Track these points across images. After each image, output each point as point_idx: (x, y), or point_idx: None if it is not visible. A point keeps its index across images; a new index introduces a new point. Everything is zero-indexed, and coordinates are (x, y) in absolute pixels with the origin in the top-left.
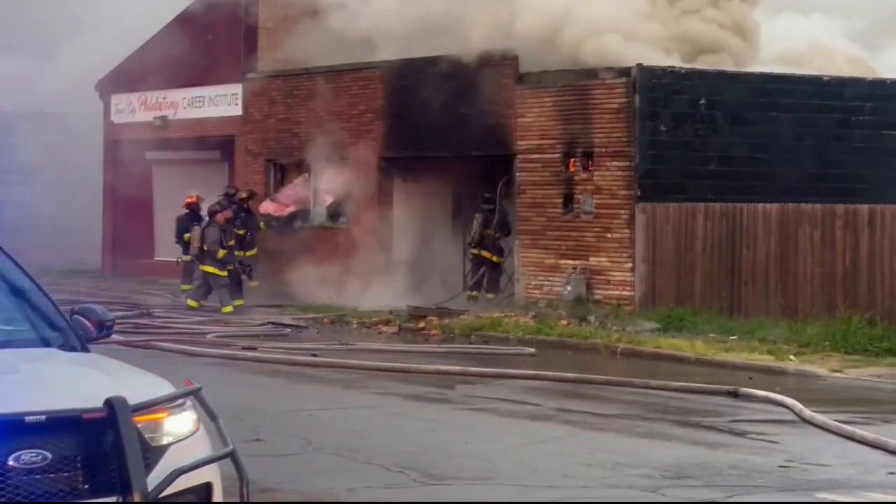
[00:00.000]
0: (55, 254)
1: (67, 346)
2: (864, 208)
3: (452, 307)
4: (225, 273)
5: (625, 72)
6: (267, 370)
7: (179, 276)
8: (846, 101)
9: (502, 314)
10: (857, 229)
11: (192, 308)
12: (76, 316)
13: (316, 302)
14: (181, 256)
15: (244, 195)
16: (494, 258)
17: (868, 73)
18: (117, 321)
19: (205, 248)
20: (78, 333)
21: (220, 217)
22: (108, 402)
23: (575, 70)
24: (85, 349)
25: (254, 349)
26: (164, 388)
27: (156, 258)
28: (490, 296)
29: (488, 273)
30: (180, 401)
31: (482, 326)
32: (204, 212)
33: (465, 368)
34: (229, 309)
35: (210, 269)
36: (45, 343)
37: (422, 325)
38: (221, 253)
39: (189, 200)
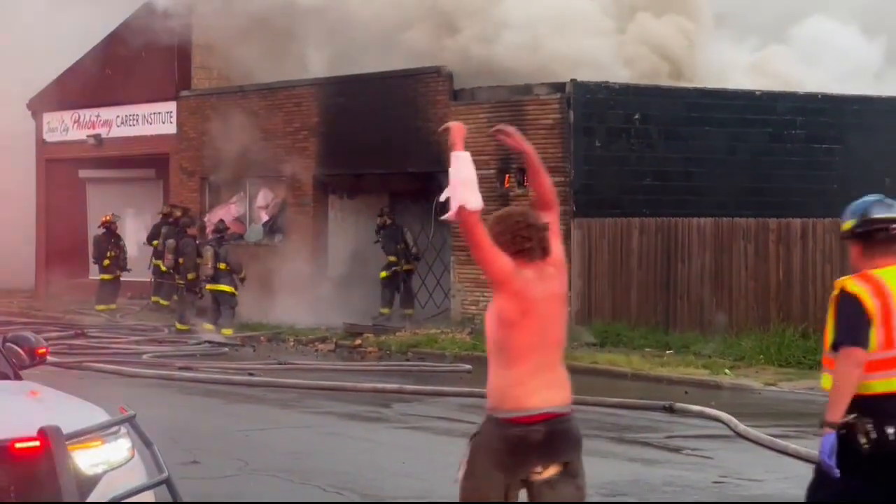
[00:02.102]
0: None
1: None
2: (796, 222)
3: (386, 324)
4: (237, 293)
5: (559, 87)
6: (203, 390)
7: (95, 295)
8: (778, 116)
9: (438, 331)
10: (790, 243)
11: (227, 336)
12: (9, 344)
13: (252, 320)
14: (101, 275)
15: (178, 213)
16: (382, 273)
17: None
18: (51, 341)
19: (220, 266)
20: (10, 361)
21: (228, 234)
22: (42, 432)
23: (509, 86)
24: (18, 377)
25: (190, 369)
26: (98, 415)
27: (90, 277)
28: (384, 310)
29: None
30: (114, 428)
31: (418, 343)
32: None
33: (402, 386)
34: (229, 331)
35: (225, 287)
36: None
37: (358, 342)
38: (243, 274)
39: (104, 220)
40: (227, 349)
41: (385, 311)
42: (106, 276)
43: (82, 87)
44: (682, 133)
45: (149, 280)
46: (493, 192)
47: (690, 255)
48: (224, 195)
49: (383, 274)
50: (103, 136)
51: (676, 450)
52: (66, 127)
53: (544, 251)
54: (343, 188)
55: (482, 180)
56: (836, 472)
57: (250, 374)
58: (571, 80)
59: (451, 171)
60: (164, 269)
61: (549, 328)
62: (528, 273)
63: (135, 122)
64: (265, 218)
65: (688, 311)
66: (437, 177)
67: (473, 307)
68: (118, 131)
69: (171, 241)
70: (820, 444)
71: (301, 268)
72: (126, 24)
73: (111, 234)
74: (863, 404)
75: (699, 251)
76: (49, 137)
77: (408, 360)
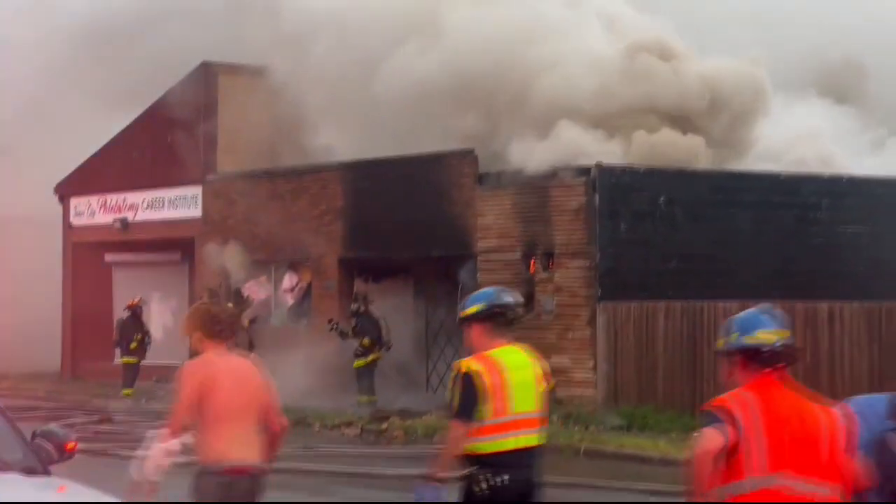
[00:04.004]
0: (14, 357)
1: (28, 470)
2: (823, 306)
3: (414, 408)
4: None
5: (584, 171)
6: None
7: (121, 379)
8: (803, 198)
9: None
10: (817, 326)
11: None
12: (38, 440)
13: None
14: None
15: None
16: (358, 362)
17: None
18: (77, 427)
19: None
20: (40, 456)
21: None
22: None
23: (534, 171)
24: (46, 472)
25: None
26: None
27: (115, 361)
28: (362, 399)
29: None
30: None
31: (445, 427)
32: (145, 316)
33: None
34: None
35: None
36: (6, 467)
37: (384, 426)
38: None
39: (131, 303)
40: None
41: (367, 399)
42: (131, 360)
43: (109, 172)
44: (707, 215)
45: (177, 363)
46: (519, 276)
47: (716, 338)
48: (249, 279)
49: (359, 363)
50: (129, 219)
51: None
52: (93, 211)
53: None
54: (368, 271)
55: (508, 264)
56: None
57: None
58: (596, 163)
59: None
60: None
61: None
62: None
63: (161, 205)
64: (290, 301)
65: (715, 395)
66: (462, 260)
67: None
68: (144, 215)
69: None
70: (417, 494)
71: (326, 350)
72: (152, 109)
73: (137, 319)
74: (480, 460)
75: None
76: (76, 221)
77: (434, 444)
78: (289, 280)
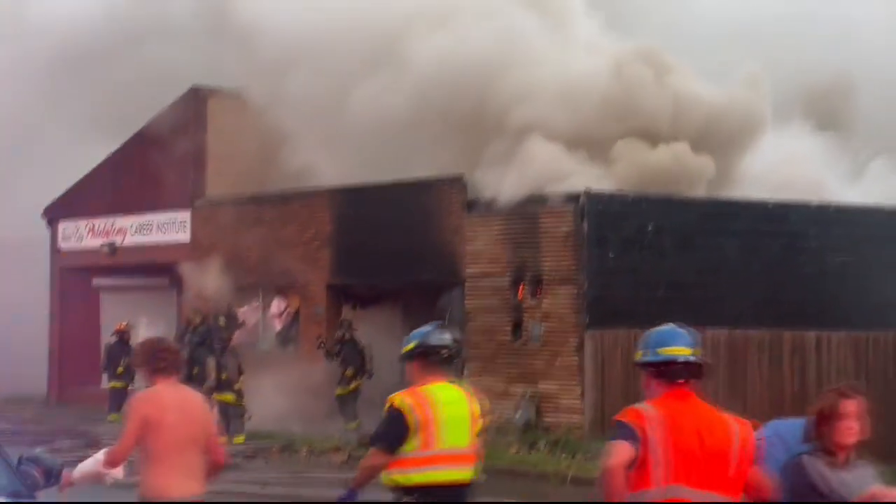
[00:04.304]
0: (0, 380)
1: (14, 495)
2: (811, 335)
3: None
4: (242, 403)
5: (573, 198)
6: None
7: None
8: (792, 226)
9: None
10: (805, 355)
11: (239, 444)
12: (24, 466)
13: (263, 429)
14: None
15: (197, 321)
16: (339, 390)
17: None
18: (63, 453)
19: (223, 376)
20: (25, 482)
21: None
22: None
23: (523, 196)
24: (32, 497)
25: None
26: None
27: (102, 386)
28: (349, 425)
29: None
30: None
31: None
32: (133, 341)
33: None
34: (241, 439)
35: (228, 397)
36: None
37: None
38: (240, 383)
39: (118, 328)
40: (237, 460)
41: (352, 425)
42: (118, 385)
43: (97, 196)
44: (695, 243)
45: None
46: (507, 302)
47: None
48: (238, 304)
49: (340, 391)
50: (117, 244)
51: None
52: (81, 235)
53: (178, 370)
54: (356, 297)
55: (496, 290)
56: None
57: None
58: (585, 190)
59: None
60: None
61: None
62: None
63: (149, 230)
64: (278, 326)
65: None
66: (451, 287)
67: (486, 417)
68: (132, 239)
69: (183, 351)
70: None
71: (313, 376)
72: (141, 133)
73: (124, 343)
74: (411, 491)
75: (713, 363)
76: (64, 245)
77: None
78: (277, 305)
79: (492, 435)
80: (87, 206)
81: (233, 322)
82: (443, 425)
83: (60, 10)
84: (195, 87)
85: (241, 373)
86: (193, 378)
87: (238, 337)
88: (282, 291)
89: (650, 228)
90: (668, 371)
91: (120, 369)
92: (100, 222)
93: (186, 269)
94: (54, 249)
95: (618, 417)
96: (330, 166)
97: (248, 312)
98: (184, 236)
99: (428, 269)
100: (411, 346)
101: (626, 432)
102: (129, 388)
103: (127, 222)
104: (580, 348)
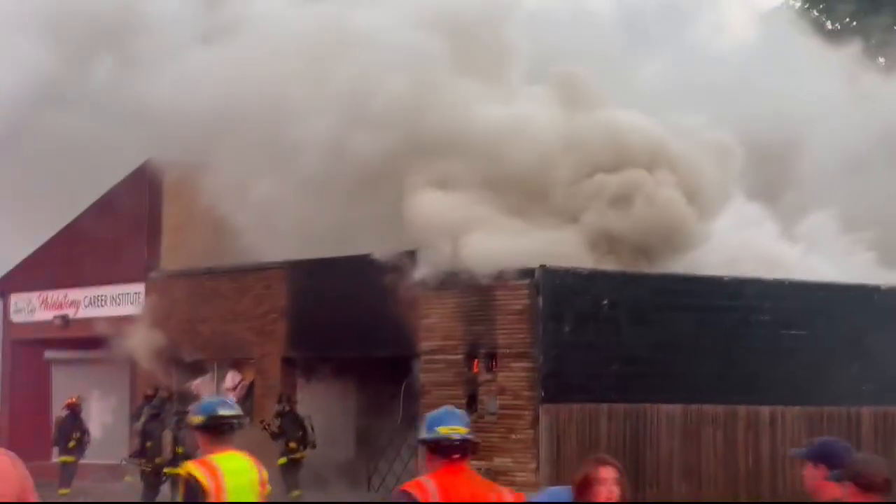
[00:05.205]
0: None
1: None
2: (765, 410)
3: None
4: None
5: (528, 273)
6: None
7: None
8: (745, 301)
9: None
10: (759, 430)
11: None
12: None
13: None
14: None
15: (150, 392)
16: (281, 460)
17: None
18: None
19: (178, 450)
20: None
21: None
22: None
23: (478, 271)
24: None
25: None
26: None
27: (53, 460)
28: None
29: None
30: None
31: None
32: (84, 414)
33: None
34: None
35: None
36: None
37: None
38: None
39: (69, 401)
40: None
41: (295, 494)
42: (69, 459)
43: (51, 268)
44: (649, 318)
45: (116, 462)
46: (461, 377)
47: (659, 441)
48: (192, 377)
49: (282, 461)
50: (70, 316)
51: None
52: (34, 307)
53: None
54: (311, 371)
55: (451, 365)
56: None
57: None
58: (540, 265)
59: None
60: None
61: None
62: None
63: (103, 303)
64: (233, 400)
65: (656, 499)
66: (406, 361)
67: None
68: (85, 312)
69: (137, 425)
70: None
71: (267, 450)
72: (95, 206)
73: (76, 417)
74: None
75: (668, 438)
76: (15, 318)
77: None
78: (231, 379)
79: None
80: (40, 278)
81: (187, 395)
82: (229, 494)
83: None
84: (150, 160)
85: (198, 447)
86: (147, 452)
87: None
88: (236, 365)
89: (605, 303)
90: (444, 448)
91: (71, 443)
92: (52, 295)
93: (140, 342)
94: (6, 322)
95: (402, 488)
96: (277, 244)
97: (200, 385)
98: (137, 309)
99: (383, 343)
100: (197, 419)
101: (411, 502)
102: (81, 462)
103: (80, 294)
104: (535, 423)
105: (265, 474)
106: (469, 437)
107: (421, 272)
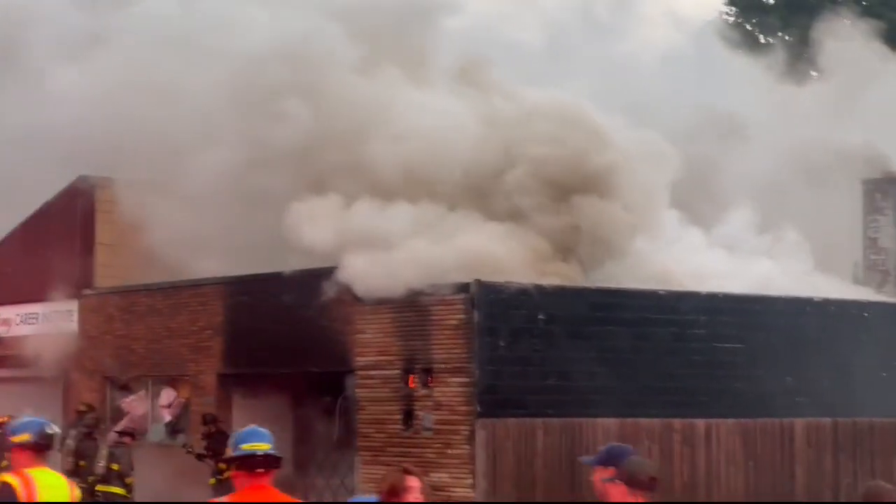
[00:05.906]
0: None
1: None
2: (700, 423)
3: None
4: (129, 495)
5: (463, 287)
6: None
7: None
8: (681, 315)
9: None
10: (695, 444)
11: None
12: None
13: None
14: None
15: (83, 409)
16: (211, 480)
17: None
18: None
19: (113, 466)
20: None
21: (128, 439)
22: None
23: (413, 286)
24: None
25: None
26: None
27: None
28: None
29: None
30: None
31: None
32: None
33: None
34: None
35: (116, 489)
36: None
37: None
38: (130, 479)
39: (1, 421)
40: None
41: None
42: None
43: None
44: (585, 332)
45: None
46: (398, 392)
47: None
48: (127, 394)
49: (213, 481)
50: (2, 334)
51: None
52: None
53: None
54: (246, 387)
55: (387, 380)
56: None
57: None
58: (475, 279)
59: None
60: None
61: None
62: None
63: (35, 320)
64: (168, 417)
65: None
66: (340, 376)
67: None
68: (18, 330)
69: (69, 443)
70: None
71: (203, 467)
72: (27, 222)
73: (5, 437)
74: None
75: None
76: None
77: None
78: (166, 396)
79: None
80: None
81: (120, 413)
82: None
83: None
84: (82, 176)
85: (132, 467)
86: (79, 471)
87: (125, 427)
88: (171, 382)
89: (541, 317)
90: (250, 463)
91: (3, 463)
92: None
93: (73, 360)
94: None
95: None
96: (209, 260)
97: (133, 402)
98: (71, 326)
99: (319, 359)
100: (22, 438)
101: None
102: None
103: (12, 312)
104: (471, 438)
105: (77, 493)
106: (272, 452)
107: (356, 287)
